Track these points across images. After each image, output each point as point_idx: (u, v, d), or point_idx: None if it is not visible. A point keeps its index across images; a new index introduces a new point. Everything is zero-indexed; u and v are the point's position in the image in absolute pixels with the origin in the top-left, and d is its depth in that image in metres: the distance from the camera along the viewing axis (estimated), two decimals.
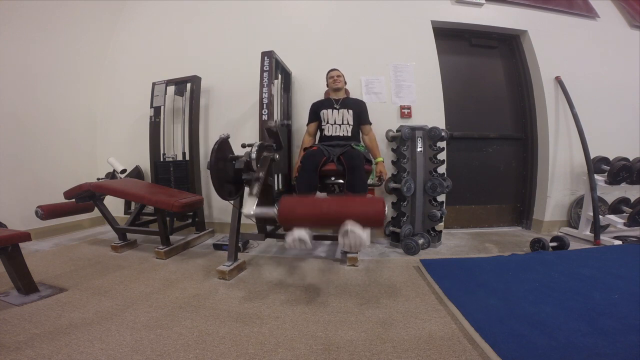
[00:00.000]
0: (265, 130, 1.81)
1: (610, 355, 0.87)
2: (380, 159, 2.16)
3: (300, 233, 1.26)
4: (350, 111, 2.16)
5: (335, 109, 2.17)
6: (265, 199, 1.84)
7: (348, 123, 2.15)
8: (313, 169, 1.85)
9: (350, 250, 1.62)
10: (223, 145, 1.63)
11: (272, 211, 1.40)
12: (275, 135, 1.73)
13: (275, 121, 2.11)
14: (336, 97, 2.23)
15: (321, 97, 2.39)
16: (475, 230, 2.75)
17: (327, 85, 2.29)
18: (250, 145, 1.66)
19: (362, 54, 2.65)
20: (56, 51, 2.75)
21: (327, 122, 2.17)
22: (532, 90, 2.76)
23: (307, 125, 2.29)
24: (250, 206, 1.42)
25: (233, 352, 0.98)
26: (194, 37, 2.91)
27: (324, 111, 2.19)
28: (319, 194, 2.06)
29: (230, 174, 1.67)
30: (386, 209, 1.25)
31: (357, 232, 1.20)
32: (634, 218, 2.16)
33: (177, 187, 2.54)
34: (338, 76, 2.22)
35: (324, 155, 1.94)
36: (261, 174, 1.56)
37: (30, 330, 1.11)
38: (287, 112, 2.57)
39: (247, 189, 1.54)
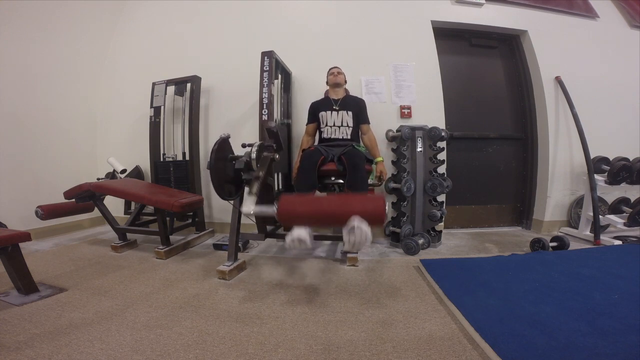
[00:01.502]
0: (266, 130, 1.81)
1: (610, 355, 0.87)
2: (380, 159, 2.14)
3: (300, 232, 1.24)
4: (350, 112, 2.14)
5: (335, 110, 2.16)
6: (265, 198, 1.84)
7: (347, 125, 2.14)
8: (311, 168, 1.85)
9: (353, 249, 1.46)
10: (223, 145, 1.63)
11: (271, 209, 1.39)
12: (275, 136, 1.73)
13: (275, 121, 2.10)
14: (335, 96, 2.21)
15: (321, 96, 2.39)
16: (475, 230, 2.75)
17: (327, 82, 2.26)
18: (250, 145, 1.66)
19: (362, 54, 2.65)
20: (56, 51, 2.75)
21: (326, 125, 2.16)
22: (532, 90, 2.76)
23: (306, 125, 2.28)
24: (250, 205, 1.41)
25: (233, 352, 0.98)
26: (194, 37, 2.91)
27: (323, 113, 2.17)
28: (318, 194, 2.06)
29: (230, 174, 1.67)
30: (387, 206, 1.24)
31: (363, 229, 1.18)
32: (634, 218, 2.16)
33: (177, 187, 2.54)
34: (339, 72, 2.21)
35: (321, 154, 1.93)
36: (261, 173, 1.56)
37: (30, 330, 1.11)
38: (287, 112, 2.57)
39: (246, 189, 1.54)
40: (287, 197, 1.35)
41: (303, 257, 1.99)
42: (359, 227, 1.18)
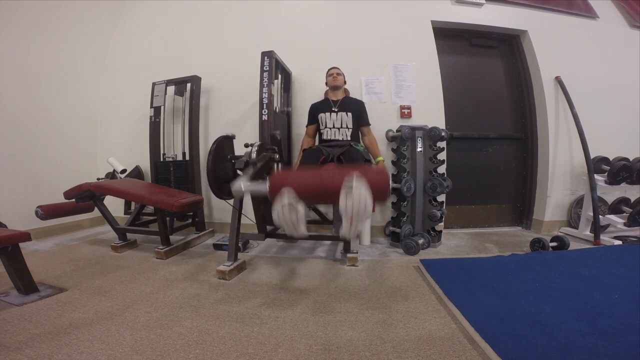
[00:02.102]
0: (270, 136, 1.79)
1: (610, 355, 0.87)
2: (380, 158, 2.16)
3: (290, 197, 1.09)
4: (350, 114, 2.13)
5: (334, 111, 2.15)
6: (264, 199, 1.84)
7: (347, 127, 2.13)
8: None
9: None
10: (222, 145, 1.62)
11: (263, 186, 1.27)
12: (278, 144, 1.72)
13: (279, 132, 2.09)
14: (335, 97, 2.21)
15: (321, 97, 2.39)
16: (475, 230, 2.75)
17: (327, 84, 2.27)
18: (251, 145, 1.66)
19: (362, 54, 2.65)
20: (56, 51, 2.75)
21: (326, 127, 2.15)
22: (532, 90, 2.76)
23: (307, 127, 2.29)
24: (242, 183, 1.30)
25: (233, 352, 0.98)
26: (194, 37, 2.91)
27: (322, 115, 2.17)
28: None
29: (230, 173, 1.67)
30: (390, 181, 1.11)
31: (362, 191, 1.06)
32: (634, 218, 2.16)
33: (177, 187, 2.54)
34: (338, 74, 2.20)
35: (322, 154, 1.95)
36: (258, 164, 1.50)
37: (30, 330, 1.11)
38: (287, 102, 2.57)
39: (240, 172, 1.45)
40: (280, 171, 1.27)
41: (303, 257, 2.00)
42: (358, 187, 1.06)
